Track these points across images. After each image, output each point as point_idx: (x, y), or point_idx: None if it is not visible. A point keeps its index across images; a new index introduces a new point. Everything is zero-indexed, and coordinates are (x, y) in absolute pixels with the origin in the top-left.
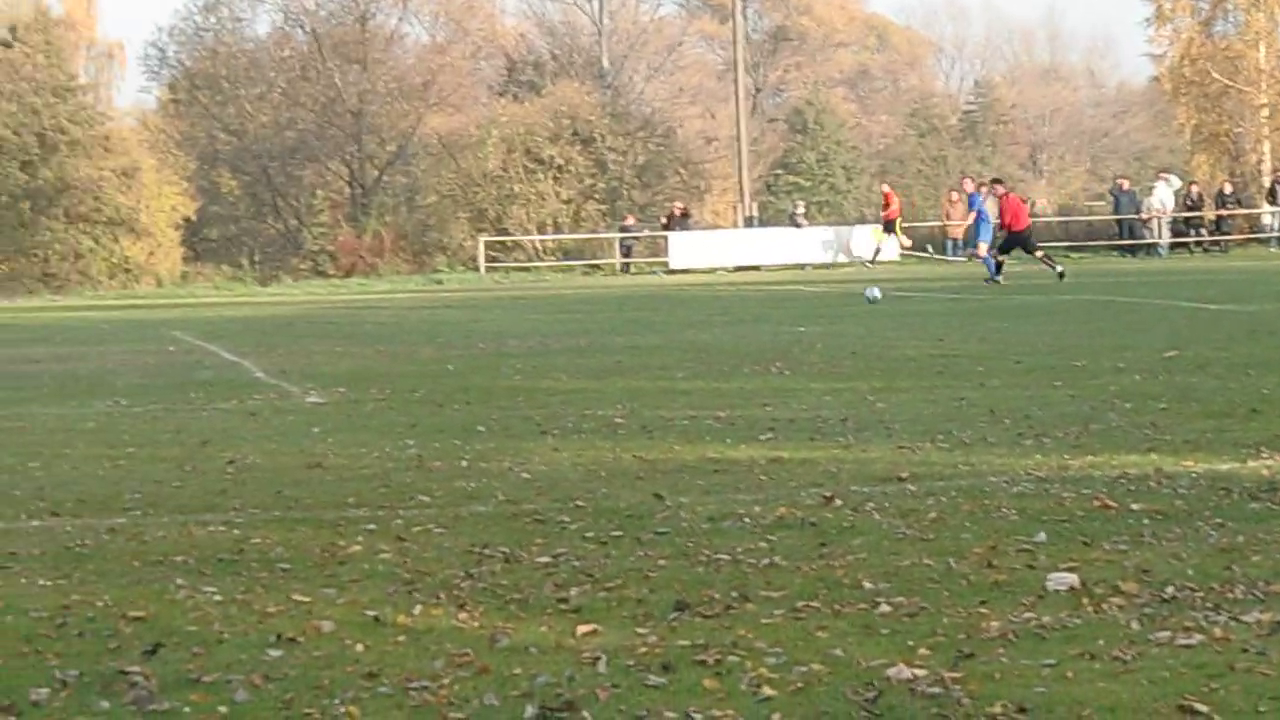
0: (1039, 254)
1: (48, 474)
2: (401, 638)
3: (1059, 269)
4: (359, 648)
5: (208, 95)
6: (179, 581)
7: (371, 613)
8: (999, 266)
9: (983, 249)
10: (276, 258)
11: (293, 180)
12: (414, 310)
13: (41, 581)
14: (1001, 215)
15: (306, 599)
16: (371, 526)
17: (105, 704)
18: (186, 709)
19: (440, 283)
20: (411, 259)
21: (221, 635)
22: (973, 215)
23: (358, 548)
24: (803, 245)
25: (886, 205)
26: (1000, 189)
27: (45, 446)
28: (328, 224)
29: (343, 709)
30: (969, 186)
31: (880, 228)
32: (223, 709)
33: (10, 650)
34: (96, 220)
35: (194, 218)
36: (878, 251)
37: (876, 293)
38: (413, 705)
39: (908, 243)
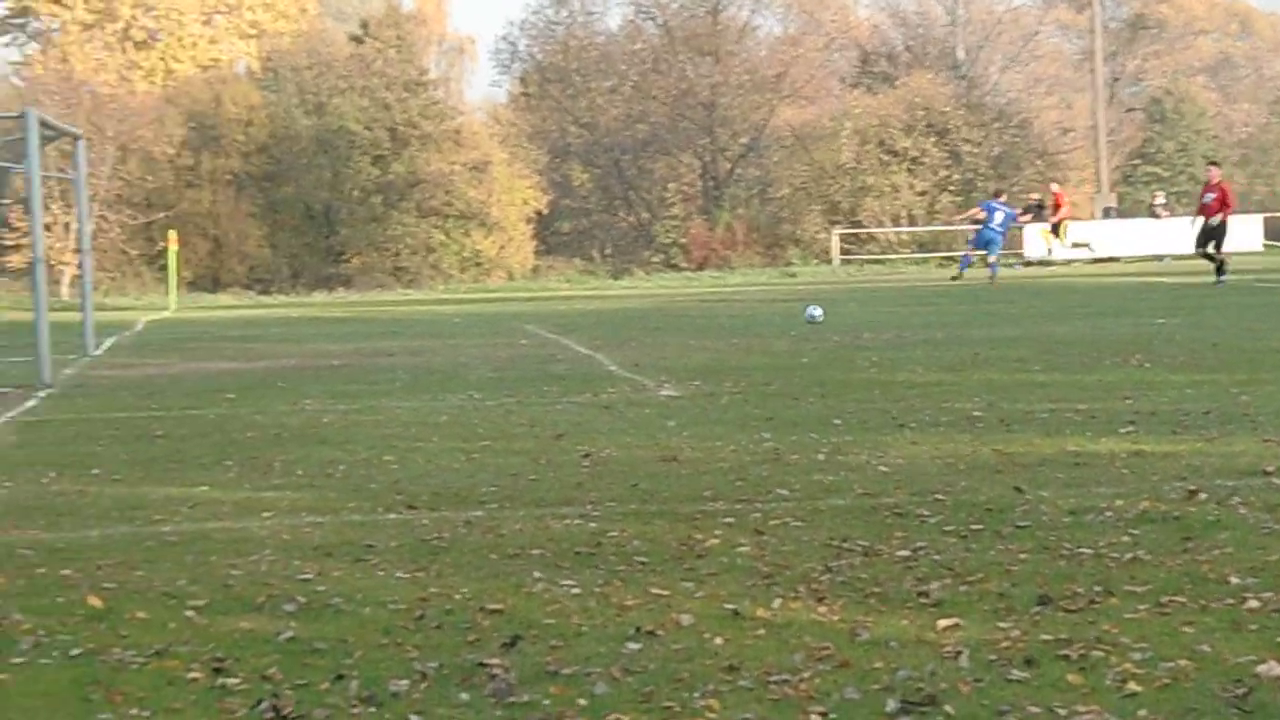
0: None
1: (403, 467)
2: (761, 631)
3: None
4: (718, 641)
5: (559, 89)
6: (536, 574)
7: (730, 606)
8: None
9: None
10: (628, 251)
11: (644, 173)
12: (767, 303)
13: (399, 574)
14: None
15: (665, 592)
16: (729, 520)
17: (465, 696)
18: (546, 701)
19: (793, 275)
20: (764, 251)
21: (580, 628)
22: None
23: (715, 541)
24: (1163, 236)
25: (1056, 207)
26: (1216, 172)
27: (400, 440)
28: (680, 217)
29: (702, 702)
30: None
31: (1048, 228)
32: (582, 701)
33: (370, 642)
34: (448, 214)
35: (545, 211)
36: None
37: (818, 312)
38: (773, 699)
39: (1070, 243)
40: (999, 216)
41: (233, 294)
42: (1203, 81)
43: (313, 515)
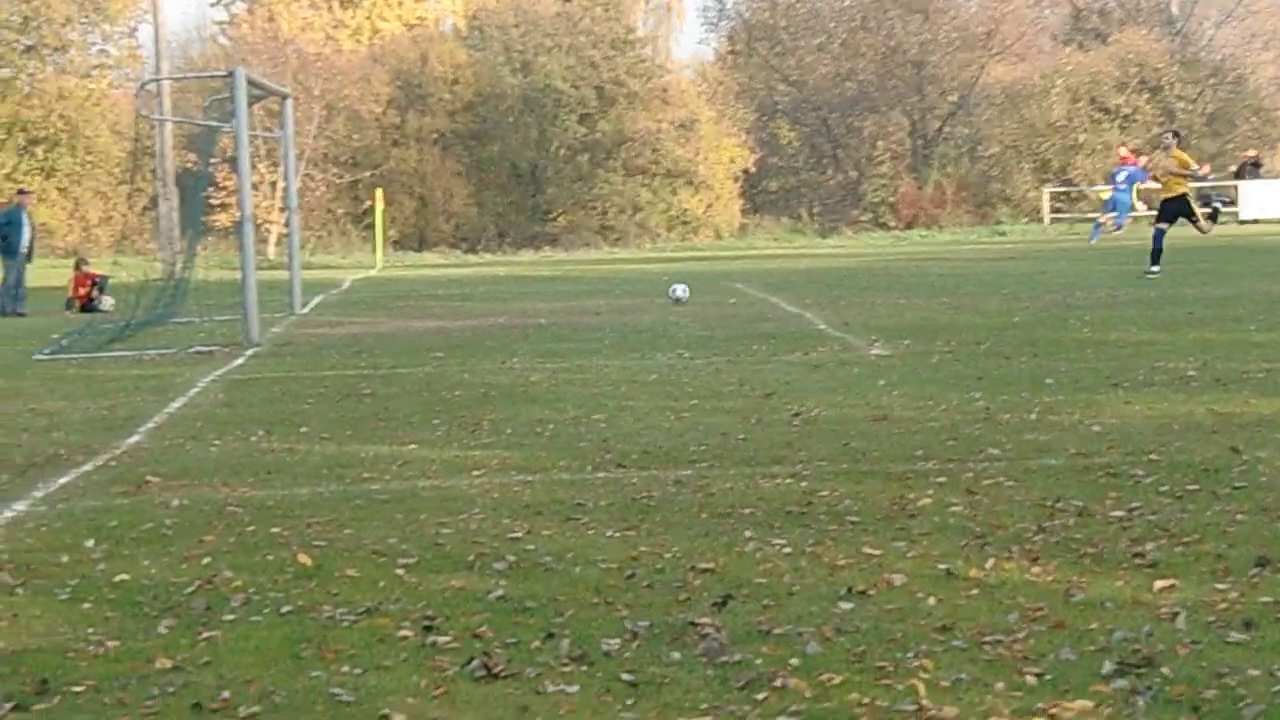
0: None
1: (612, 426)
2: (974, 591)
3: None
4: (931, 601)
5: (766, 46)
6: (747, 534)
7: (943, 566)
8: None
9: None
10: (836, 209)
11: (853, 131)
12: (977, 262)
13: (609, 533)
14: None
15: (877, 552)
16: (941, 479)
17: (676, 655)
18: (757, 661)
19: (1003, 234)
20: (973, 210)
21: (791, 588)
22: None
23: (927, 501)
24: None
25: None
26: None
27: (609, 398)
28: (888, 175)
29: (916, 663)
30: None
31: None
32: (794, 661)
33: (581, 601)
34: (655, 173)
35: (753, 169)
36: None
37: (681, 292)
38: (986, 660)
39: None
40: (1121, 176)
41: (439, 253)
42: None
43: (522, 474)
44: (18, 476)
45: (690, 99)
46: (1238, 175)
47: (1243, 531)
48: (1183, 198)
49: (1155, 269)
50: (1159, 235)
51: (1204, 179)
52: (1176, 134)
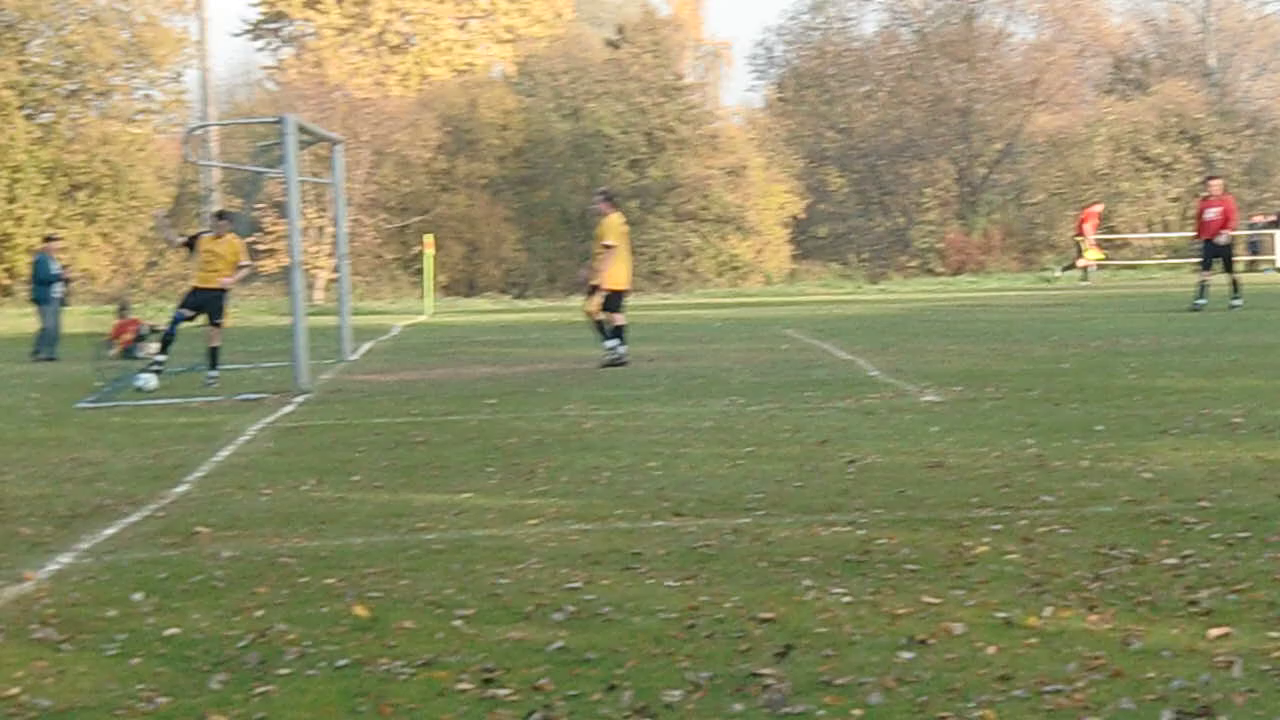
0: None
1: (668, 473)
2: (1033, 640)
3: None
4: (990, 650)
5: (815, 94)
6: (806, 582)
7: (1002, 614)
8: None
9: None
10: (884, 255)
11: (900, 178)
12: (1025, 309)
13: (668, 582)
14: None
15: (936, 600)
16: (996, 527)
17: (738, 706)
18: (820, 712)
19: (1049, 281)
20: (1020, 256)
21: (852, 637)
22: None
23: (984, 548)
24: None
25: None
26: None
27: (664, 446)
28: (936, 221)
29: (977, 713)
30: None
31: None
32: (857, 712)
33: (641, 652)
34: (704, 218)
35: (802, 215)
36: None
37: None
38: (1047, 709)
39: (1096, 257)
40: None
41: (489, 298)
42: None
43: (579, 523)
44: (62, 528)
45: (739, 145)
46: (1276, 224)
47: None
48: (219, 294)
49: (214, 373)
50: (176, 319)
51: (253, 270)
52: (223, 214)
